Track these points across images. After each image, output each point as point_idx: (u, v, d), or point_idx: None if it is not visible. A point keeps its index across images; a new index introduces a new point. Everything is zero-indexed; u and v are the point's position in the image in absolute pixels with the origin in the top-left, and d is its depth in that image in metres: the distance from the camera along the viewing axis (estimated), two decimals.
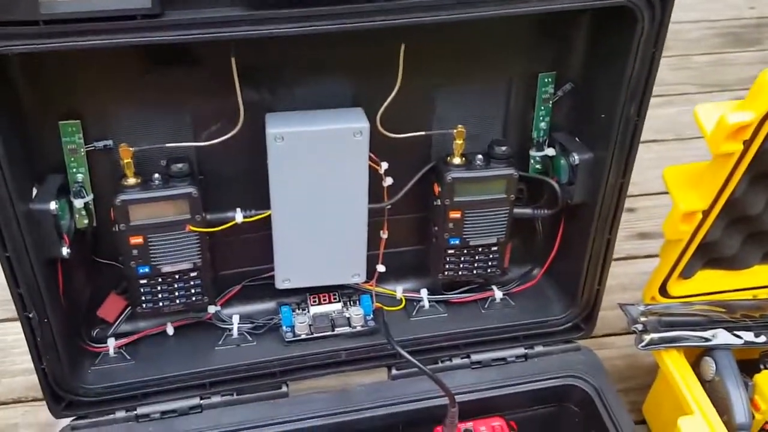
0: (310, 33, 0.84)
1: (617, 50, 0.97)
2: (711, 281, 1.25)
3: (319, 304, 1.17)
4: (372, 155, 1.02)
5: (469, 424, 1.11)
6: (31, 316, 0.97)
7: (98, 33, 0.80)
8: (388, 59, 0.97)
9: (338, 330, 1.15)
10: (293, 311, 1.16)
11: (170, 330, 1.13)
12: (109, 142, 0.99)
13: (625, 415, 1.10)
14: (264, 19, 0.83)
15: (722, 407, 1.13)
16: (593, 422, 1.13)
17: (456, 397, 1.04)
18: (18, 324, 0.98)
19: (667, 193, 1.09)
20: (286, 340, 1.14)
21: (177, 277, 1.06)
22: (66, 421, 1.07)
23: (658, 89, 0.97)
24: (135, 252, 1.02)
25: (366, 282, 1.16)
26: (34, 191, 0.96)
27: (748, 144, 1.01)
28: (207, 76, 0.97)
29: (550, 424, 1.20)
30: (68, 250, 0.98)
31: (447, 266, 1.15)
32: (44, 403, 1.05)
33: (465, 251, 1.14)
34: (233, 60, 0.91)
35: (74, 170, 1.00)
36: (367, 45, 0.96)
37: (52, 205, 0.94)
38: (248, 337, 1.15)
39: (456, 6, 0.87)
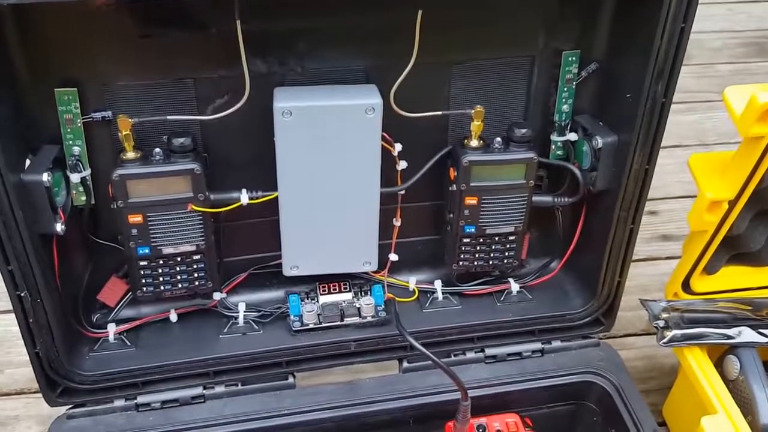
0: None
1: (644, 24, 0.91)
2: (735, 277, 1.19)
3: (329, 293, 1.10)
4: (385, 135, 0.96)
5: (483, 420, 1.05)
6: (23, 295, 0.90)
7: None
8: (404, 30, 0.90)
9: (348, 320, 1.08)
10: (302, 300, 1.09)
11: (174, 317, 1.07)
12: (108, 113, 0.92)
13: (647, 414, 1.05)
14: None
15: (746, 407, 1.07)
16: (613, 421, 1.07)
17: (469, 391, 0.98)
18: None
19: (689, 197, 1.00)
20: (294, 329, 1.07)
21: (179, 259, 0.99)
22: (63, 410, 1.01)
23: (680, 96, 0.89)
24: (134, 231, 0.95)
25: (378, 272, 1.10)
26: (28, 162, 0.88)
27: None
28: (212, 43, 0.91)
29: (568, 422, 1.14)
30: (63, 227, 0.91)
31: (462, 256, 1.08)
32: None
33: (481, 240, 1.07)
34: (238, 23, 0.84)
35: (70, 142, 0.92)
36: (382, 10, 0.91)
37: (45, 177, 0.87)
38: (254, 325, 1.08)
39: None
